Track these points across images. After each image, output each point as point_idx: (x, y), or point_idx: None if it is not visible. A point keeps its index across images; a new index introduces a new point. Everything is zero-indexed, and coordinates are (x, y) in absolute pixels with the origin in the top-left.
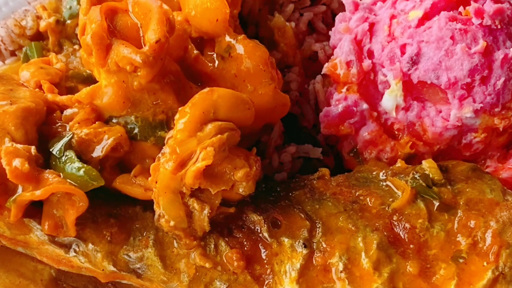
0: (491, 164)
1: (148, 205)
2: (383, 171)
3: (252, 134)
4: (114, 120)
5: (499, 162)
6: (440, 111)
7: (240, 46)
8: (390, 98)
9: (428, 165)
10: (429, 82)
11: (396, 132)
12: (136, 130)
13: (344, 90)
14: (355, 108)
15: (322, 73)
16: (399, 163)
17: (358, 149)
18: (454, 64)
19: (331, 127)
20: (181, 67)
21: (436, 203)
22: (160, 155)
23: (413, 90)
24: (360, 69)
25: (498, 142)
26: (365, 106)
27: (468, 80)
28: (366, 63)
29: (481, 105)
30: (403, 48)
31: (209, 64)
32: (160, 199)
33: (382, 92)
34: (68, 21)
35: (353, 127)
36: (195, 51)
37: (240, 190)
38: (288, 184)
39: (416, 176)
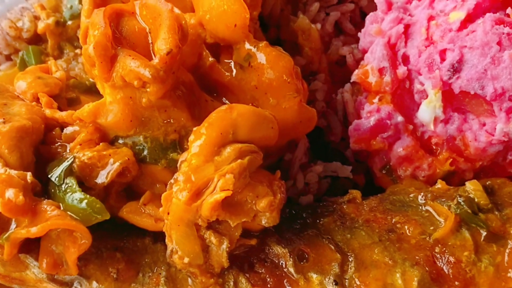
0: None
1: (159, 236)
2: (422, 193)
3: (275, 152)
4: (121, 141)
5: None
6: (484, 124)
7: (262, 54)
8: (428, 110)
9: (472, 187)
10: (472, 92)
11: (434, 147)
12: (145, 152)
13: (376, 100)
14: (389, 121)
15: (351, 81)
16: (439, 184)
17: (392, 165)
18: (502, 72)
19: (361, 142)
20: (195, 76)
21: (484, 233)
22: (172, 181)
23: (454, 101)
24: (394, 77)
25: None
26: (400, 118)
27: None
28: (401, 70)
29: None
30: (443, 54)
31: (226, 74)
32: (173, 233)
33: (418, 103)
34: (69, 22)
35: (386, 141)
36: (211, 59)
37: (263, 222)
38: (315, 209)
39: (460, 200)
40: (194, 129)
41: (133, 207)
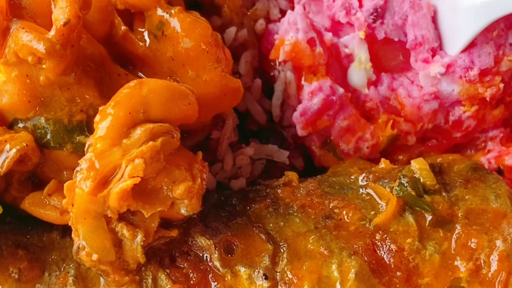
0: (493, 148)
1: (68, 229)
2: (364, 174)
3: (199, 130)
4: (20, 125)
5: (503, 145)
6: (413, 81)
7: (176, 21)
8: (359, 72)
9: (418, 166)
10: (396, 39)
11: (371, 113)
12: (48, 136)
13: (314, 77)
14: (334, 97)
15: (279, 60)
16: (383, 163)
17: (333, 140)
18: (421, 20)
19: (309, 126)
20: (107, 47)
21: (429, 217)
22: (76, 171)
23: (378, 53)
24: (324, 46)
25: (494, 116)
26: (341, 90)
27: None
28: (328, 36)
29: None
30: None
31: (141, 44)
32: (79, 227)
33: (346, 67)
34: None
35: (331, 118)
36: (123, 27)
37: (182, 211)
38: (247, 194)
39: (403, 181)
40: (100, 108)
41: (36, 198)
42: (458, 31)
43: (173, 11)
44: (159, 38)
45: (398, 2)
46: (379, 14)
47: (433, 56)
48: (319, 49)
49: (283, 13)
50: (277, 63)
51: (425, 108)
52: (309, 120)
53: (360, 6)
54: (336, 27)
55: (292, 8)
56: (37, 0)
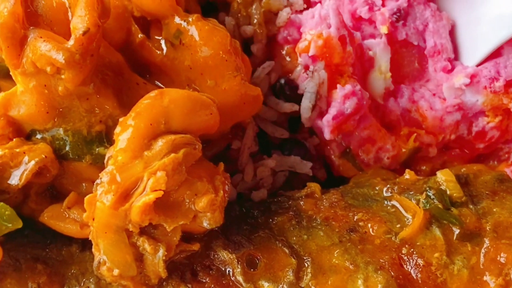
0: None
1: (88, 243)
2: (388, 186)
3: (219, 140)
4: (38, 136)
5: None
6: (435, 94)
7: (194, 30)
8: (379, 81)
9: (444, 178)
10: (415, 43)
11: (392, 125)
12: (67, 147)
13: (341, 79)
14: (364, 102)
15: (309, 54)
16: (408, 174)
17: (353, 149)
18: (441, 30)
19: (336, 130)
20: (125, 55)
21: (457, 230)
22: (96, 184)
23: (395, 56)
24: (353, 45)
25: None
26: (367, 95)
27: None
28: (357, 36)
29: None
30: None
31: (158, 52)
32: (100, 241)
33: (367, 72)
34: None
35: (355, 122)
36: (140, 35)
37: (205, 224)
38: (268, 206)
39: (429, 193)
40: (120, 119)
41: (56, 211)
42: (480, 42)
43: (190, 19)
44: (177, 46)
45: (420, 8)
46: (402, 15)
47: (452, 66)
48: (349, 47)
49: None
50: (305, 60)
51: (448, 119)
52: (339, 124)
53: (383, 5)
54: (356, 24)
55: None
56: (54, 7)
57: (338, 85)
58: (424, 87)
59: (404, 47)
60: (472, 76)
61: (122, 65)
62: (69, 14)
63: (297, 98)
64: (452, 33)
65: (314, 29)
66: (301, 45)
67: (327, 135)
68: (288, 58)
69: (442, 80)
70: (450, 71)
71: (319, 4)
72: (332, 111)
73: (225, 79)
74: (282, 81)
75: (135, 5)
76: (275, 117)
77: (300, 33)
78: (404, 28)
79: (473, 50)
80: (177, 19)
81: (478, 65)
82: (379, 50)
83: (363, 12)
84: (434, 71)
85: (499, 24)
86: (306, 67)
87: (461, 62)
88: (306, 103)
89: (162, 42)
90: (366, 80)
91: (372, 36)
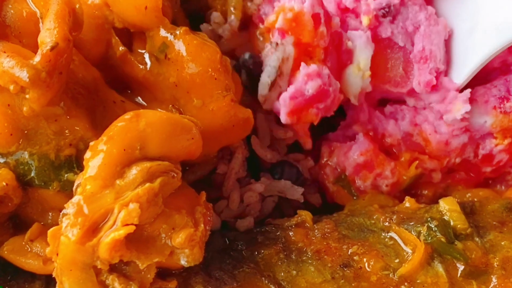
0: None
1: (52, 280)
2: (385, 215)
3: (203, 163)
4: (1, 160)
5: None
6: (441, 116)
7: (181, 43)
8: (355, 78)
9: (448, 207)
10: (401, 44)
11: (392, 150)
12: (32, 173)
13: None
14: (330, 89)
15: (277, 26)
16: (408, 202)
17: (348, 176)
18: (434, 36)
19: (296, 113)
20: (102, 69)
21: (461, 266)
22: (62, 214)
23: (377, 57)
24: (328, 27)
25: None
26: (337, 84)
27: None
28: (335, 20)
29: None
30: None
31: (141, 67)
32: (65, 279)
33: (344, 65)
34: None
35: (320, 113)
36: (121, 48)
37: (182, 261)
38: (255, 236)
39: (431, 225)
40: (91, 144)
41: (17, 244)
42: (472, 52)
43: (178, 32)
44: (162, 61)
45: (414, 9)
46: (390, 11)
47: (436, 82)
48: (322, 28)
49: None
50: (275, 39)
51: (454, 143)
52: (297, 107)
53: None
54: (341, 15)
55: None
56: (23, 17)
57: (302, 63)
58: (428, 110)
59: (388, 48)
60: (472, 100)
61: (98, 81)
62: (40, 25)
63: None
64: (448, 42)
65: (287, 2)
66: (271, 18)
67: (283, 116)
68: (260, 38)
69: (421, 92)
70: (434, 87)
71: None
72: (291, 89)
73: (213, 98)
74: (246, 55)
75: (116, 16)
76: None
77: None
78: (390, 25)
79: (463, 63)
80: (163, 32)
81: (472, 83)
82: (360, 43)
83: (348, 1)
84: (417, 84)
85: (495, 31)
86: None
87: (448, 79)
88: (264, 78)
89: (146, 56)
90: (341, 74)
91: (356, 29)
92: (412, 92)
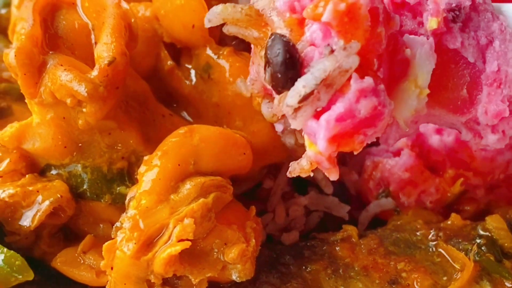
0: None
1: None
2: (432, 231)
3: (248, 178)
4: (54, 171)
5: None
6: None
7: (224, 64)
8: (411, 96)
9: (494, 225)
10: (471, 60)
11: (436, 166)
12: (85, 186)
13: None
14: (385, 110)
15: (323, 20)
16: (454, 219)
17: (392, 191)
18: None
19: (339, 140)
20: (150, 82)
21: (510, 285)
22: (116, 228)
23: (438, 72)
24: (387, 28)
25: None
26: (393, 105)
27: None
28: (396, 18)
29: None
30: None
31: (187, 82)
32: None
33: (399, 79)
34: (2, 11)
35: (364, 142)
36: (170, 62)
37: (234, 276)
38: (301, 250)
39: (479, 242)
40: (145, 158)
41: (70, 256)
42: None
43: (222, 52)
44: (205, 80)
45: (487, 16)
46: (461, 15)
47: (510, 112)
48: (381, 28)
49: None
50: (313, 35)
51: (499, 159)
52: (343, 131)
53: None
54: (395, 11)
55: None
56: (76, 29)
57: (354, 74)
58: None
59: (453, 62)
60: None
61: (147, 94)
62: (92, 37)
63: (290, 71)
64: None
65: None
66: (312, 7)
67: (322, 143)
68: (286, 31)
69: (488, 124)
70: (503, 119)
71: None
72: (338, 108)
73: (253, 120)
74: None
75: (165, 31)
76: None
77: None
78: (461, 34)
79: None
80: (208, 51)
81: None
82: (421, 53)
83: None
84: (484, 113)
85: None
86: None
87: None
88: (298, 87)
89: (192, 72)
90: (392, 90)
91: (414, 33)
92: (471, 122)
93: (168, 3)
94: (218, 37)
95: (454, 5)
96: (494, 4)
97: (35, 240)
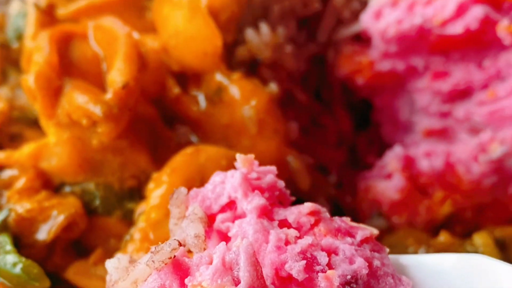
0: None
1: None
2: (422, 248)
3: None
4: (68, 189)
5: None
6: (476, 156)
7: (235, 88)
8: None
9: (481, 241)
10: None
11: (425, 189)
12: (97, 202)
13: None
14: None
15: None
16: (442, 236)
17: (385, 213)
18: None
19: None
20: (158, 106)
21: None
22: (126, 241)
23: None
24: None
25: None
26: None
27: None
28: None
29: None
30: None
31: (194, 108)
32: None
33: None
34: (15, 44)
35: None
36: (176, 90)
37: None
38: None
39: None
40: (154, 175)
41: (82, 268)
42: None
43: (233, 77)
44: (216, 103)
45: (389, 282)
46: (358, 286)
47: None
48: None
49: None
50: None
51: (484, 182)
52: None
53: (330, 266)
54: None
55: None
56: (88, 58)
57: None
58: (462, 150)
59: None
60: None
61: (155, 118)
62: (103, 66)
63: None
64: None
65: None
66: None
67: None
68: None
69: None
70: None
71: (224, 246)
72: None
73: (262, 140)
74: None
75: (175, 60)
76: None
77: None
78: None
79: None
80: (219, 76)
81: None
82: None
83: (296, 269)
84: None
85: None
86: None
87: None
88: None
89: (201, 97)
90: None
91: None
92: None
93: (180, 35)
94: (228, 61)
95: (349, 276)
96: (391, 256)
97: (48, 253)
